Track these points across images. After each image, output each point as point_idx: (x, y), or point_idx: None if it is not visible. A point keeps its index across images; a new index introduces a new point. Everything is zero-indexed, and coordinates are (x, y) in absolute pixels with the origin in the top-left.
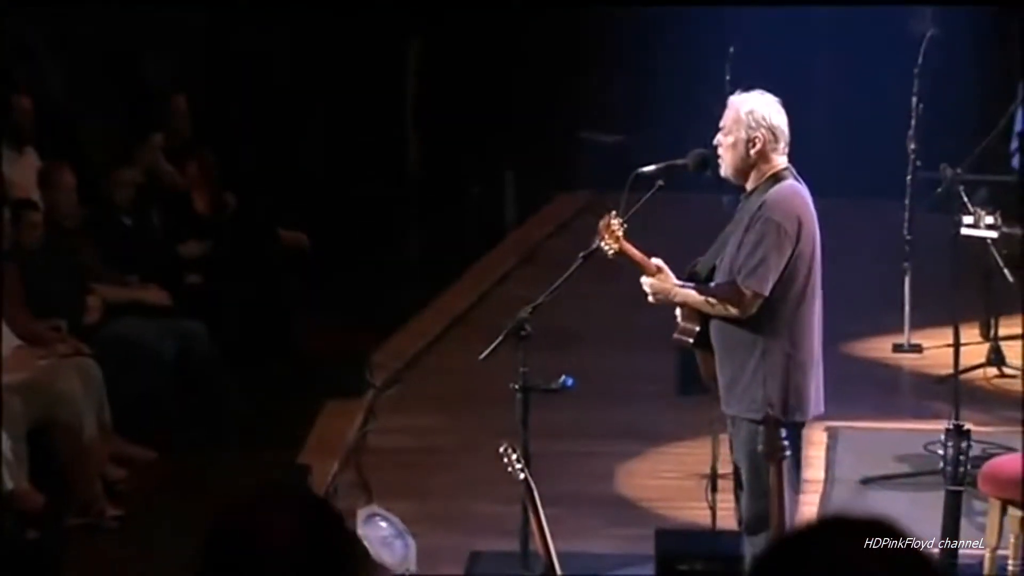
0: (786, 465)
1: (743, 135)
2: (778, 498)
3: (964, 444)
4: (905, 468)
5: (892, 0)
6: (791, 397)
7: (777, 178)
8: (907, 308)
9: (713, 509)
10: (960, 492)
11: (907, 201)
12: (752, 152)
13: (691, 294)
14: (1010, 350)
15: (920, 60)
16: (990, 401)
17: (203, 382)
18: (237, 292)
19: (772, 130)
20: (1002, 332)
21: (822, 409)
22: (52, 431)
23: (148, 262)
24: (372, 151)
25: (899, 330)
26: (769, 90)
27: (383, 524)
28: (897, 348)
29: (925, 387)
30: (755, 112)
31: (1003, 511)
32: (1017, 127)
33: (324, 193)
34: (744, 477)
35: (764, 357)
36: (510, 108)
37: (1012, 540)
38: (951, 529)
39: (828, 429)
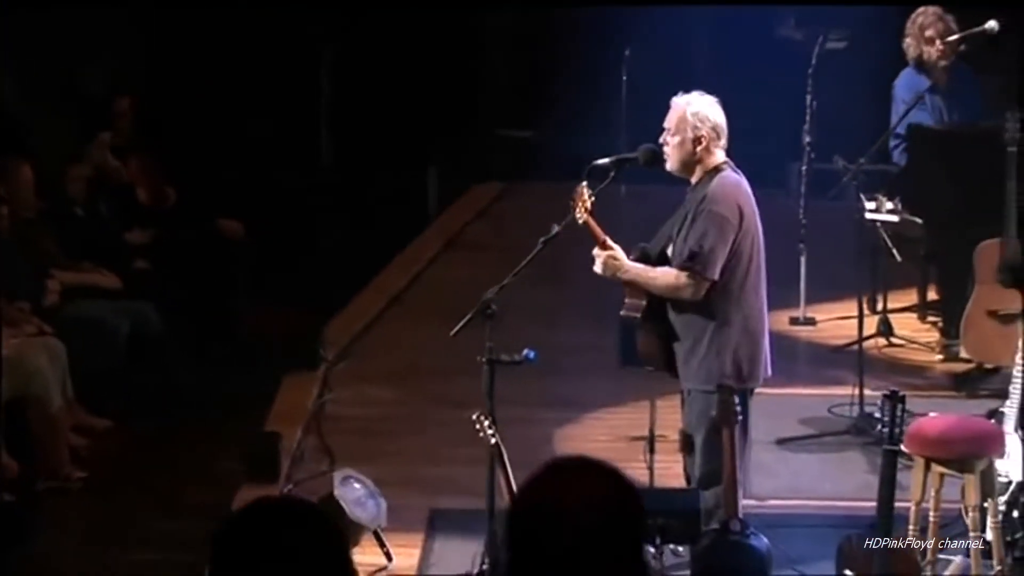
0: (737, 428)
1: (689, 134)
2: (731, 458)
3: (899, 408)
4: (813, 430)
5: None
6: (744, 366)
7: (718, 171)
8: (803, 285)
9: (651, 469)
10: (896, 451)
11: (803, 189)
12: (698, 149)
13: (642, 273)
14: (896, 322)
15: (814, 62)
16: (881, 367)
17: (154, 358)
18: (181, 276)
19: (715, 128)
20: (889, 306)
21: (770, 374)
22: (24, 405)
23: (99, 249)
24: (289, 146)
25: (795, 305)
26: (660, 88)
27: (357, 485)
28: (793, 321)
29: (822, 356)
30: (699, 112)
31: (926, 468)
32: (892, 126)
33: (251, 185)
34: (698, 441)
35: (717, 332)
36: (430, 107)
37: (933, 494)
38: (888, 484)
39: None
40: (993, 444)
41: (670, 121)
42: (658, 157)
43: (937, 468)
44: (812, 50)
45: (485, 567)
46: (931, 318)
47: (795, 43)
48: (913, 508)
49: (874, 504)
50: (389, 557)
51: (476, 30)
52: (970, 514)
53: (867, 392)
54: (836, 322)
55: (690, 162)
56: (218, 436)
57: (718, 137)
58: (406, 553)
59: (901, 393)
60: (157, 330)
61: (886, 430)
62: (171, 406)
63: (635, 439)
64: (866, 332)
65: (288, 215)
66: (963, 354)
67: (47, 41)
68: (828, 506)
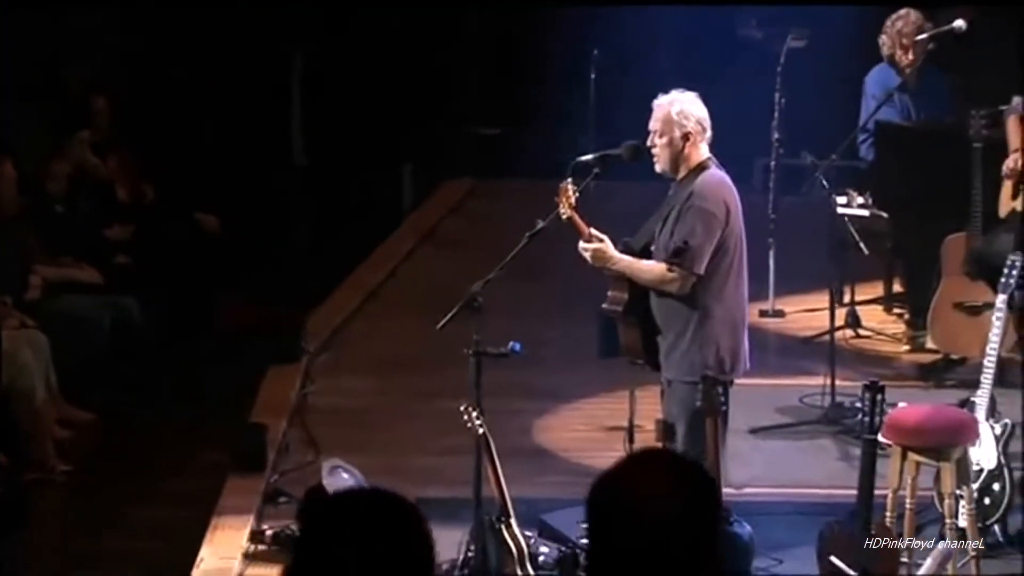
0: (720, 418)
1: (677, 132)
2: (715, 447)
3: (879, 398)
4: (786, 419)
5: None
6: (726, 358)
7: (703, 168)
8: (771, 278)
9: None
10: (875, 440)
11: (771, 184)
12: (687, 145)
13: (631, 265)
14: (863, 313)
15: (782, 60)
16: (849, 358)
17: (135, 351)
18: (160, 271)
19: (700, 122)
20: (856, 298)
21: (749, 366)
22: (10, 398)
23: (79, 245)
24: (262, 144)
25: (764, 298)
26: (627, 87)
27: (345, 475)
28: (763, 313)
29: (791, 347)
30: (683, 110)
31: (903, 456)
32: (861, 121)
33: (226, 182)
34: (680, 431)
35: (700, 325)
36: (401, 106)
37: (910, 481)
38: (868, 471)
39: None
40: (968, 433)
41: (655, 123)
42: (641, 153)
43: (914, 456)
44: (773, 49)
45: (471, 554)
46: (897, 310)
47: (756, 42)
48: (890, 495)
49: (847, 491)
50: None
51: (447, 30)
52: (946, 501)
53: (837, 382)
54: (804, 314)
55: (678, 160)
56: (199, 428)
57: (704, 131)
58: None
59: (880, 383)
60: (138, 324)
61: (867, 419)
62: (152, 399)
63: (612, 429)
64: (835, 324)
65: (263, 212)
66: (929, 345)
67: (27, 40)
68: (802, 494)
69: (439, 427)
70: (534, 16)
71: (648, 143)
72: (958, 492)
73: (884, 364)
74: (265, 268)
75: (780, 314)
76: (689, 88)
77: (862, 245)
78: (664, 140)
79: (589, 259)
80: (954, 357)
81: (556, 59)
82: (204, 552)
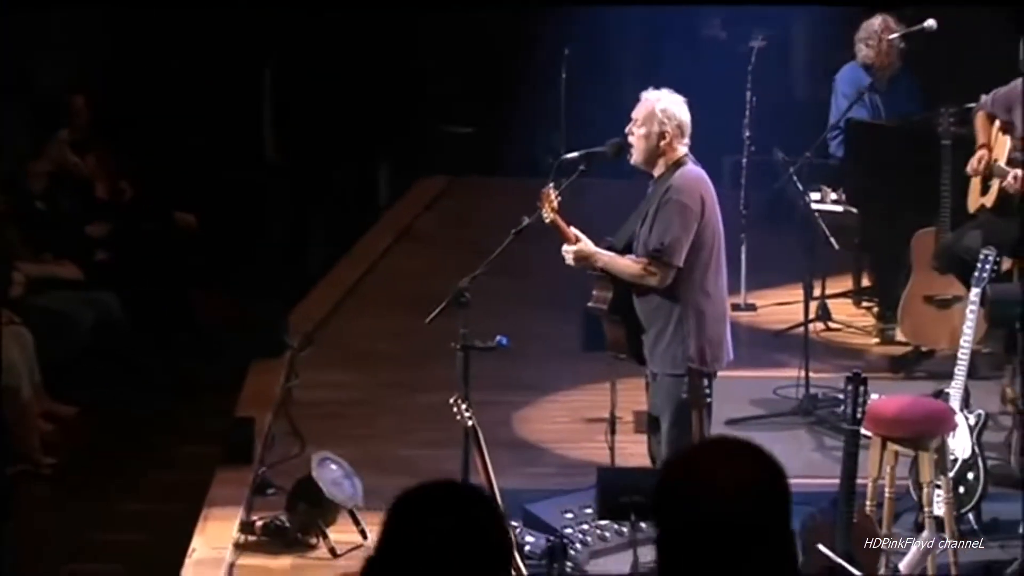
0: (705, 410)
1: (655, 128)
2: (701, 437)
3: (861, 389)
4: (760, 411)
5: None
6: (709, 350)
7: (680, 164)
8: (743, 273)
9: (612, 449)
10: (858, 430)
11: (743, 180)
12: (662, 144)
13: (612, 261)
14: (832, 307)
15: (753, 60)
16: (821, 351)
17: (117, 346)
18: (139, 267)
19: (680, 126)
20: (825, 292)
21: (732, 357)
22: None
23: (61, 242)
24: (237, 143)
25: (737, 292)
26: (597, 86)
27: (334, 467)
28: (735, 307)
29: (764, 340)
30: (667, 109)
31: (883, 446)
32: (832, 118)
33: (202, 180)
34: (665, 423)
35: (682, 319)
36: (377, 105)
37: (888, 471)
38: (850, 462)
39: None
40: (946, 423)
41: (638, 113)
42: (624, 150)
43: (893, 446)
44: (736, 49)
45: None
46: (865, 303)
47: (720, 43)
48: (870, 484)
49: (823, 481)
50: (364, 535)
51: (421, 29)
52: (924, 490)
53: (810, 374)
54: (775, 308)
55: (653, 155)
56: (181, 422)
57: (682, 135)
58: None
59: (863, 375)
60: (119, 319)
61: (849, 411)
62: (133, 393)
63: (591, 420)
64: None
65: (240, 210)
66: (898, 337)
67: (3, 41)
68: None
69: (420, 420)
70: (507, 15)
71: (626, 130)
72: (936, 481)
73: (855, 356)
74: (241, 265)
75: (752, 308)
76: (656, 87)
77: (832, 240)
78: (643, 132)
79: (571, 261)
80: (923, 349)
81: (528, 58)
82: (196, 542)
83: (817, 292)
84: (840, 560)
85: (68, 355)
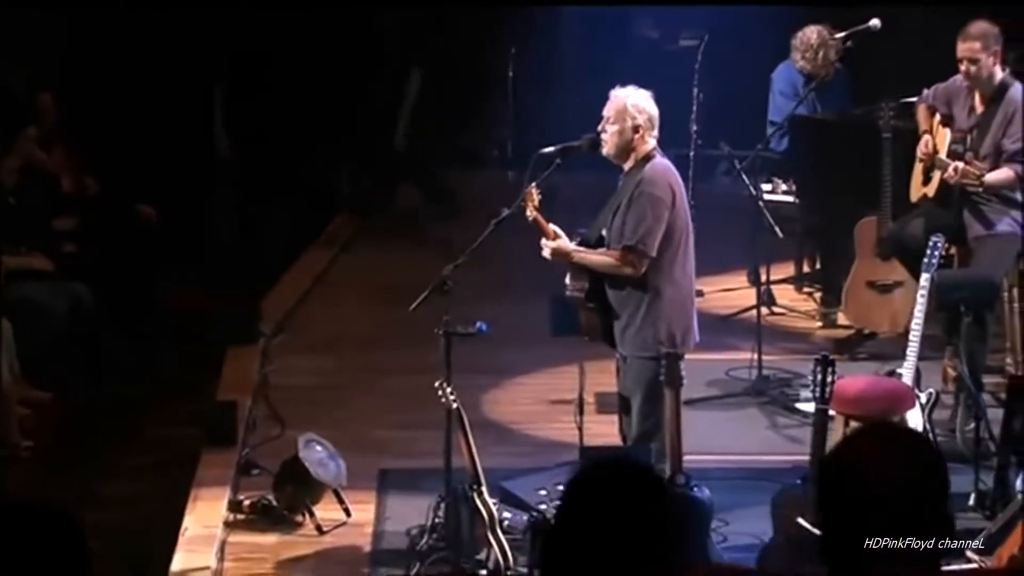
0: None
1: (628, 123)
2: (676, 417)
3: (830, 371)
4: (716, 391)
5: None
6: (677, 334)
7: (649, 158)
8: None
9: (580, 429)
10: (826, 410)
11: (690, 173)
12: (635, 137)
13: (587, 256)
14: (777, 292)
15: (699, 58)
16: (767, 334)
17: (89, 334)
18: (105, 259)
19: (650, 119)
20: (771, 278)
21: (698, 339)
22: None
23: (31, 235)
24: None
25: None
26: (542, 85)
27: (318, 448)
28: None
29: (712, 325)
30: (637, 104)
31: (846, 424)
32: (769, 115)
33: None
34: (636, 403)
35: (652, 304)
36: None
37: None
38: (819, 439)
39: None
40: (906, 401)
41: (609, 110)
42: (598, 144)
43: (855, 424)
44: (668, 48)
45: (439, 519)
46: (806, 289)
47: (653, 42)
48: None
49: (779, 457)
50: (348, 513)
51: (370, 28)
52: None
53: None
54: (721, 294)
55: (626, 149)
56: (153, 407)
57: (652, 127)
58: (362, 509)
59: (831, 357)
60: (90, 308)
61: (818, 391)
62: (106, 379)
63: (555, 402)
64: (749, 302)
65: (199, 204)
66: (841, 321)
67: None
68: (739, 460)
69: (393, 403)
70: (453, 15)
71: (599, 128)
72: None
73: (800, 339)
74: (202, 257)
75: (700, 294)
76: (594, 86)
77: (777, 229)
78: (615, 128)
79: (549, 256)
80: (866, 332)
81: (475, 57)
82: (188, 521)
83: (762, 278)
84: (819, 532)
85: (44, 343)
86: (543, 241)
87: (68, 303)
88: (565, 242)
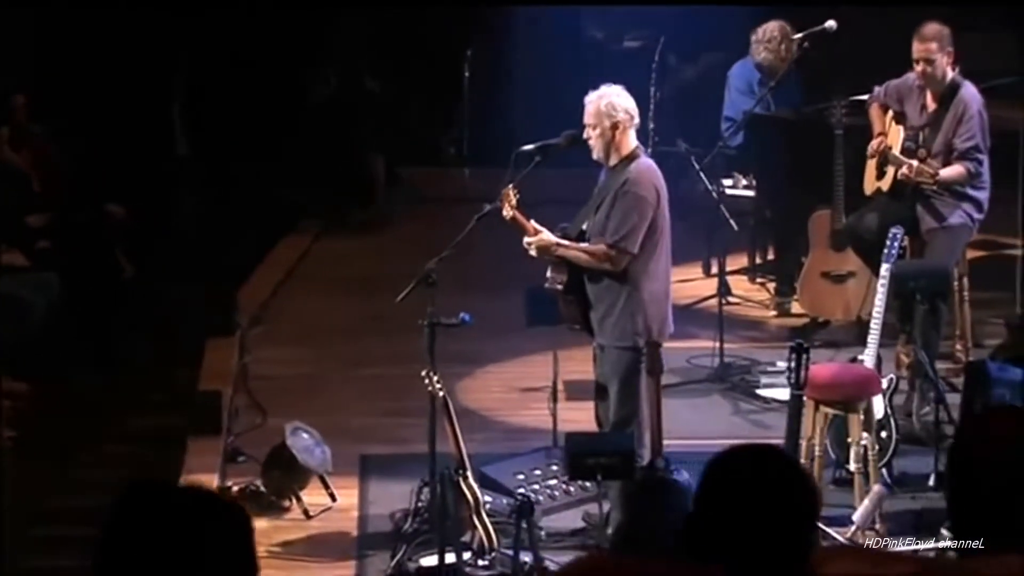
0: (644, 379)
1: (607, 123)
2: (656, 404)
3: (805, 358)
4: (679, 379)
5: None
6: (653, 325)
7: (633, 157)
8: None
9: (554, 416)
10: (801, 395)
11: None
12: (618, 134)
13: (571, 251)
14: (732, 283)
15: (656, 58)
16: (724, 323)
17: (65, 326)
18: (77, 255)
19: (628, 111)
20: (726, 269)
21: (672, 330)
22: None
23: (5, 232)
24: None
25: None
26: (496, 85)
27: (305, 435)
28: None
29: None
30: (611, 102)
31: (816, 409)
32: (725, 111)
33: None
34: (612, 390)
35: (629, 297)
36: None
37: (819, 432)
38: (795, 424)
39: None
40: (873, 386)
41: (588, 117)
42: (578, 140)
43: (825, 409)
44: (612, 48)
45: (422, 503)
46: (760, 279)
47: (599, 42)
48: (804, 444)
49: (747, 441)
50: (333, 498)
51: (324, 30)
52: (853, 448)
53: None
54: (677, 285)
55: (611, 147)
56: (128, 396)
57: (632, 119)
58: (346, 494)
59: (806, 345)
60: (66, 301)
61: (793, 378)
62: (83, 369)
63: (525, 390)
64: (705, 292)
65: (162, 201)
66: (795, 310)
67: None
68: (705, 444)
69: (371, 391)
70: (410, 15)
71: (584, 135)
72: (863, 439)
73: (756, 328)
74: (171, 250)
75: None
76: (543, 86)
77: (732, 222)
78: (597, 131)
79: (533, 252)
80: (820, 320)
81: (434, 57)
82: None
83: (714, 270)
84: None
85: (25, 336)
86: (526, 240)
87: (47, 297)
88: (547, 235)
